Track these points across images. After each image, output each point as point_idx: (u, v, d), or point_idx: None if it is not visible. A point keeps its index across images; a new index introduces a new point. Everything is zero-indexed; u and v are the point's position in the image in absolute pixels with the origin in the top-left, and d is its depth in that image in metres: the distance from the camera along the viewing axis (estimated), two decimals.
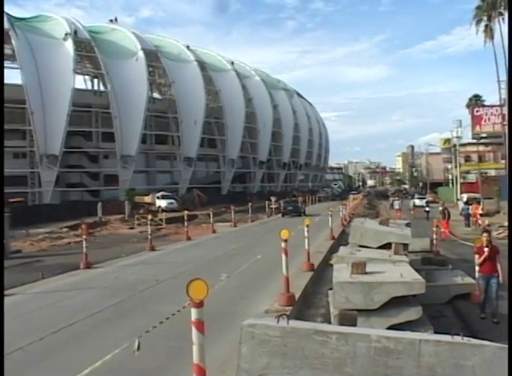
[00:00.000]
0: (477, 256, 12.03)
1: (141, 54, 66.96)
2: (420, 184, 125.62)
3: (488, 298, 11.68)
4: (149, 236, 24.36)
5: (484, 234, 12.01)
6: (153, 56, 70.21)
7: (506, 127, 46.85)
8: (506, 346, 5.80)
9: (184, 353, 7.50)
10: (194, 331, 5.35)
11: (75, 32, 62.42)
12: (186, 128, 69.84)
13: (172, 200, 55.87)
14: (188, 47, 78.22)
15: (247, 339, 5.88)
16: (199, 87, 72.45)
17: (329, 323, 9.13)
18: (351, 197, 68.18)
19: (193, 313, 5.36)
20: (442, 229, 28.30)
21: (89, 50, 64.15)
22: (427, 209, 47.87)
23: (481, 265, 11.87)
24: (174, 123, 70.92)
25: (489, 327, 11.04)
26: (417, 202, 60.66)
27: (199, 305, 5.34)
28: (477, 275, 12.36)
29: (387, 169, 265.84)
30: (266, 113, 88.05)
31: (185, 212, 30.80)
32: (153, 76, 73.77)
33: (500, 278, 11.63)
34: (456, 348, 5.65)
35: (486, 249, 11.72)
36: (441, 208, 34.05)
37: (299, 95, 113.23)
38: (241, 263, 17.24)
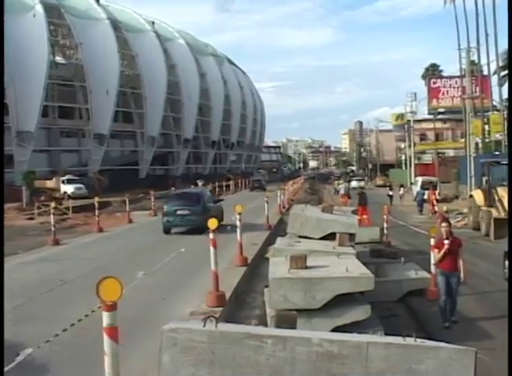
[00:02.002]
0: (435, 250, 11.99)
1: (39, 8, 64.85)
2: (370, 166, 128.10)
3: (448, 303, 11.54)
4: (53, 228, 23.84)
5: (444, 224, 11.93)
6: (55, 12, 68.27)
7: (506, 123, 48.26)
8: (464, 348, 6.00)
9: (93, 366, 7.38)
10: (106, 339, 5.27)
11: None
12: (97, 100, 68.41)
13: (80, 185, 54.85)
14: (98, 2, 76.44)
15: (169, 346, 5.83)
16: (111, 50, 71.02)
17: (265, 325, 9.20)
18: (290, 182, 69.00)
19: (105, 318, 5.28)
20: (359, 217, 28.99)
21: None
22: (390, 193, 49.37)
23: (440, 260, 11.75)
24: (81, 93, 69.32)
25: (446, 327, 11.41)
26: (354, 185, 62.81)
27: (111, 308, 5.26)
28: (432, 269, 12.71)
29: (332, 148, 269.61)
30: (192, 82, 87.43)
31: (96, 199, 30.32)
32: (56, 36, 71.75)
33: (462, 275, 11.60)
34: (409, 351, 5.78)
35: (446, 242, 11.57)
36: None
37: (230, 61, 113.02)
38: (162, 258, 17.13)
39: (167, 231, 25.25)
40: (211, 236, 11.38)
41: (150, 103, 76.92)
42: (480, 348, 8.10)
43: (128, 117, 77.79)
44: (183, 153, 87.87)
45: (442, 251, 11.59)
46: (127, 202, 33.82)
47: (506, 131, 51.35)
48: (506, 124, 42.72)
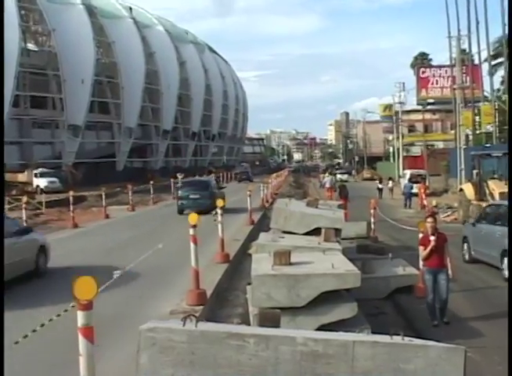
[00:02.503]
0: (421, 248, 11.99)
1: None
2: (356, 158, 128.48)
3: (438, 298, 11.59)
4: (25, 224, 23.69)
5: (429, 220, 11.93)
6: None
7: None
8: (453, 346, 6.04)
9: (66, 368, 7.37)
10: (81, 339, 5.25)
11: None
12: (71, 89, 67.97)
13: (54, 179, 54.52)
14: None
15: (147, 346, 5.81)
16: (87, 37, 70.57)
17: (248, 324, 9.20)
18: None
19: (80, 317, 5.26)
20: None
21: None
22: (380, 186, 49.63)
23: (426, 257, 11.79)
24: (55, 82, 68.85)
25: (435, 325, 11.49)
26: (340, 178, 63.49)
27: (86, 307, 5.25)
28: (421, 265, 12.77)
29: (318, 140, 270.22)
30: (171, 71, 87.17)
31: (71, 193, 30.16)
32: (27, 22, 71.18)
33: (450, 272, 11.62)
34: (396, 350, 5.81)
35: (432, 238, 11.60)
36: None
37: (212, 50, 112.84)
38: (139, 254, 17.03)
39: (180, 212, 30.52)
40: (191, 231, 11.36)
41: (127, 92, 76.57)
42: (470, 347, 8.19)
43: (104, 108, 77.39)
44: (162, 145, 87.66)
45: (428, 248, 11.61)
46: (103, 196, 33.67)
47: (497, 124, 51.82)
48: (507, 118, 42.80)
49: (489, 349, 9.95)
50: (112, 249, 19.91)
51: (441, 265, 11.61)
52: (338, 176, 63.03)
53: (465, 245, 18.48)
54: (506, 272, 14.95)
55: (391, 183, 52.22)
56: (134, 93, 77.52)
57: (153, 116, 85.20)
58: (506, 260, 14.84)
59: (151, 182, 44.36)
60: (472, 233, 18.18)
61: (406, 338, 5.94)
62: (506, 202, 17.86)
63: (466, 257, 18.26)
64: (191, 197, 31.28)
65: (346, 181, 51.32)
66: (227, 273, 14.65)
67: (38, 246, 15.89)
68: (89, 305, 5.25)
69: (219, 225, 15.87)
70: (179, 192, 32.79)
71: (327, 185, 45.64)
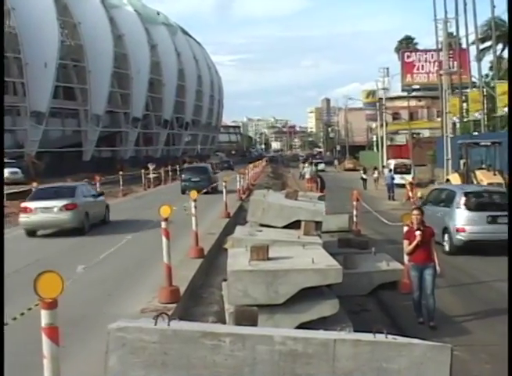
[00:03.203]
0: (406, 242, 11.83)
1: None
2: (338, 147, 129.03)
3: (424, 295, 11.54)
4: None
5: (415, 212, 11.83)
6: None
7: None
8: (439, 344, 6.10)
9: (28, 371, 7.34)
10: (45, 340, 5.22)
11: None
12: (33, 73, 67.27)
13: (16, 169, 54.00)
14: None
15: (117, 347, 5.81)
16: (50, 18, 69.81)
17: (223, 323, 9.22)
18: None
19: (44, 317, 5.23)
20: None
21: None
22: (364, 177, 49.83)
23: (411, 252, 11.69)
24: (16, 65, 68.13)
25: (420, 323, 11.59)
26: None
27: (51, 305, 5.22)
28: (406, 259, 12.85)
29: (297, 129, 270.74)
30: (142, 55, 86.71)
31: (34, 185, 29.93)
32: None
33: (438, 268, 11.53)
34: (379, 348, 5.86)
35: (418, 232, 11.50)
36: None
37: (184, 32, 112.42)
38: (106, 248, 16.98)
39: (183, 192, 36.91)
40: (163, 225, 11.34)
41: (95, 77, 76.02)
42: (457, 345, 8.29)
43: (70, 93, 76.79)
44: (132, 134, 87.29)
45: (414, 243, 11.52)
46: None
47: (485, 111, 52.18)
48: (508, 114, 42.99)
49: (477, 347, 10.06)
50: (78, 243, 19.91)
51: (427, 261, 11.54)
52: (306, 167, 62.95)
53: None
54: (447, 247, 18.86)
55: (376, 174, 52.47)
56: (101, 78, 77.00)
57: (122, 102, 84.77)
58: (446, 236, 18.90)
59: (120, 173, 44.14)
60: None
61: (390, 336, 5.98)
62: (447, 186, 24.07)
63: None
64: (192, 179, 39.72)
65: (322, 170, 51.24)
66: (201, 269, 14.65)
67: (106, 205, 26.33)
68: (54, 304, 5.22)
69: (193, 219, 15.86)
70: (182, 176, 42.41)
71: (307, 175, 45.69)
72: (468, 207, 18.87)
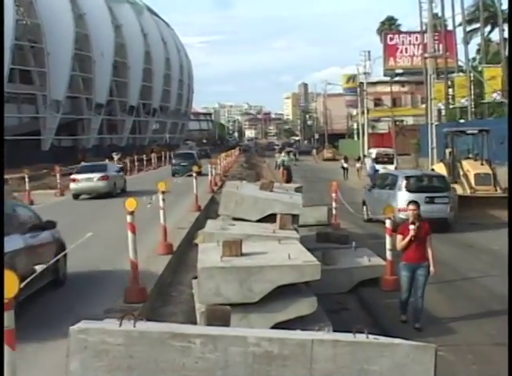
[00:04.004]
0: (399, 237, 11.48)
1: None
2: (316, 136, 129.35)
3: (412, 294, 11.41)
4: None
5: (411, 206, 11.57)
6: None
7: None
8: (423, 344, 6.15)
9: None
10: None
11: None
12: None
13: None
14: None
15: (78, 350, 5.78)
16: None
17: (194, 323, 9.22)
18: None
19: None
20: None
21: None
22: (345, 166, 50.05)
23: (404, 249, 11.39)
24: None
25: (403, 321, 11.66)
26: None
27: (7, 306, 5.19)
28: (388, 255, 12.92)
29: (273, 116, 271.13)
30: (105, 36, 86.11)
31: None
32: None
33: (431, 268, 11.31)
34: (360, 349, 5.89)
35: (412, 227, 11.19)
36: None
37: (151, 11, 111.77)
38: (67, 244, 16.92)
39: (173, 174, 45.25)
40: (129, 219, 11.30)
41: (54, 59, 75.43)
42: (441, 345, 8.37)
43: (27, 77, 76.08)
44: (95, 121, 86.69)
45: (407, 238, 11.24)
46: (26, 179, 33.19)
47: (472, 97, 52.59)
48: (507, 108, 43.29)
49: (464, 347, 10.16)
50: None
51: (421, 260, 11.32)
52: (282, 156, 61.20)
53: (364, 208, 25.06)
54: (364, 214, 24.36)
55: (358, 164, 52.70)
56: (61, 60, 76.41)
57: (84, 87, 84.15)
58: None
59: (82, 164, 43.89)
60: (368, 197, 25.33)
61: (371, 336, 6.02)
62: (392, 171, 30.65)
63: (365, 217, 24.56)
64: (182, 164, 48.13)
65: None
66: (170, 266, 14.65)
67: (124, 179, 37.67)
68: (10, 304, 5.17)
69: (161, 212, 15.84)
70: (173, 161, 52.56)
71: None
72: (408, 189, 22.46)
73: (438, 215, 20.10)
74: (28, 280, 7.35)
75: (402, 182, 22.81)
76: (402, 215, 20.53)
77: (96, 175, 33.07)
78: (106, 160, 49.48)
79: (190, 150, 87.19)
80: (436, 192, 22.63)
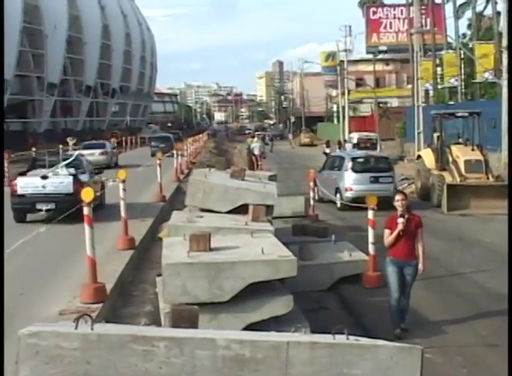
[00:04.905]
0: (387, 232, 11.08)
1: None
2: (293, 119, 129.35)
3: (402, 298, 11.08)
4: None
5: (398, 197, 11.10)
6: None
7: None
8: (408, 346, 6.19)
9: None
10: None
11: None
12: None
13: None
14: None
15: (29, 356, 5.75)
16: None
17: (158, 325, 9.22)
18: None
19: None
20: None
21: None
22: (327, 151, 50.29)
23: (392, 245, 11.00)
24: None
25: (387, 322, 11.71)
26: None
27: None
28: (370, 249, 12.96)
29: (244, 97, 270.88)
30: (58, 8, 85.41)
31: None
32: None
33: (420, 265, 11.06)
34: (340, 351, 5.91)
35: (401, 220, 10.81)
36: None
37: None
38: (15, 240, 16.77)
39: (153, 155, 44.45)
40: (86, 211, 11.22)
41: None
42: (428, 346, 8.44)
43: None
44: (47, 103, 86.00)
45: (395, 233, 10.87)
46: None
47: (462, 77, 52.86)
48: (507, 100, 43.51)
49: (453, 348, 10.22)
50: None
51: (410, 257, 11.02)
52: (255, 141, 58.86)
53: (315, 188, 25.89)
54: (338, 204, 25.70)
55: (339, 150, 52.85)
56: (9, 35, 75.47)
57: (34, 65, 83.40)
58: (338, 195, 26.03)
59: (33, 150, 43.61)
60: (319, 179, 26.58)
61: (352, 338, 6.03)
62: (339, 153, 35.08)
63: (316, 197, 25.45)
64: (160, 146, 55.05)
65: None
66: (132, 262, 14.63)
67: (117, 154, 52.43)
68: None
69: (121, 203, 15.80)
70: (152, 143, 61.87)
71: (256, 152, 45.65)
72: (354, 170, 26.17)
73: (383, 193, 21.80)
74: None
75: (349, 164, 26.37)
76: (349, 194, 25.39)
77: (97, 151, 44.60)
78: (60, 146, 49.46)
79: (153, 134, 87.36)
80: (380, 172, 26.49)
